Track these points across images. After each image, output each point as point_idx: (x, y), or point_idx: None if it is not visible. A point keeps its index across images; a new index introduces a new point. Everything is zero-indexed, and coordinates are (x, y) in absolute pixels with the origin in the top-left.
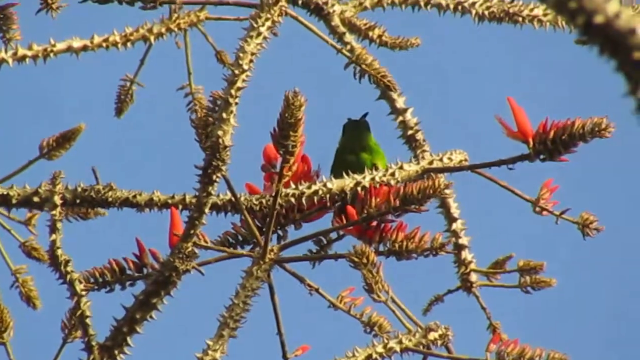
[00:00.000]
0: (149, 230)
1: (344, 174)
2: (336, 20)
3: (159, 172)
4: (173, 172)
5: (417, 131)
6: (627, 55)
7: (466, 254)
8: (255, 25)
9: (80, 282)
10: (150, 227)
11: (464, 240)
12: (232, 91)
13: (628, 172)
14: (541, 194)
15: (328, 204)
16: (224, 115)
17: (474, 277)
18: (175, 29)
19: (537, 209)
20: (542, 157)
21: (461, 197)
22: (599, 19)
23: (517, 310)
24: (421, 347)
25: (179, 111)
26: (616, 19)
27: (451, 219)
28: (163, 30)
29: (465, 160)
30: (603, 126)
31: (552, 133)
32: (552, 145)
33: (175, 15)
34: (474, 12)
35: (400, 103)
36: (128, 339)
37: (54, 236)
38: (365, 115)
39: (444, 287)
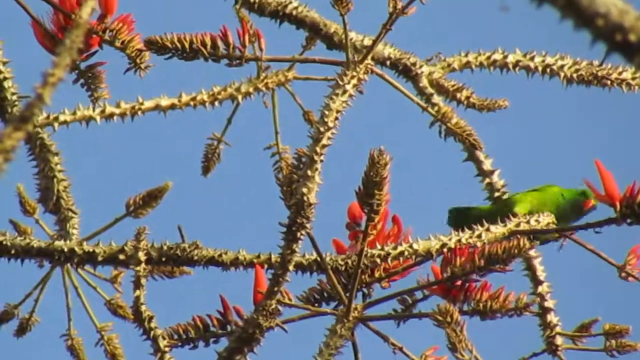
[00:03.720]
0: (234, 288)
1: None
2: (424, 82)
3: (245, 230)
4: (259, 231)
5: (504, 193)
6: None
7: (552, 317)
8: (341, 83)
9: (164, 339)
10: (235, 285)
11: (549, 303)
12: (317, 148)
13: None
14: (628, 259)
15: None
16: (309, 172)
17: (559, 340)
18: (263, 89)
19: (623, 274)
20: (629, 221)
21: (546, 256)
22: None
23: None
24: None
25: (265, 170)
26: None
27: (537, 282)
28: (251, 89)
29: (553, 223)
30: None
31: (639, 197)
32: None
33: (264, 74)
34: (562, 74)
35: (487, 165)
36: None
37: (137, 292)
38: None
39: (529, 349)
